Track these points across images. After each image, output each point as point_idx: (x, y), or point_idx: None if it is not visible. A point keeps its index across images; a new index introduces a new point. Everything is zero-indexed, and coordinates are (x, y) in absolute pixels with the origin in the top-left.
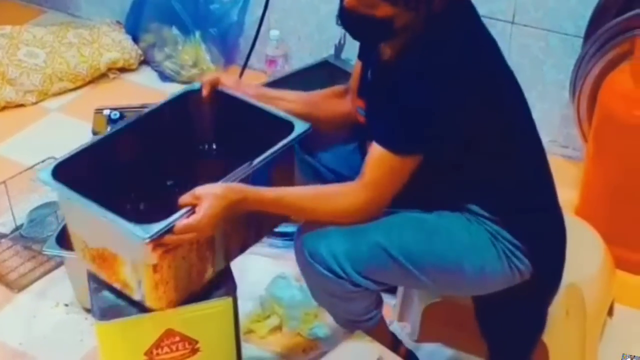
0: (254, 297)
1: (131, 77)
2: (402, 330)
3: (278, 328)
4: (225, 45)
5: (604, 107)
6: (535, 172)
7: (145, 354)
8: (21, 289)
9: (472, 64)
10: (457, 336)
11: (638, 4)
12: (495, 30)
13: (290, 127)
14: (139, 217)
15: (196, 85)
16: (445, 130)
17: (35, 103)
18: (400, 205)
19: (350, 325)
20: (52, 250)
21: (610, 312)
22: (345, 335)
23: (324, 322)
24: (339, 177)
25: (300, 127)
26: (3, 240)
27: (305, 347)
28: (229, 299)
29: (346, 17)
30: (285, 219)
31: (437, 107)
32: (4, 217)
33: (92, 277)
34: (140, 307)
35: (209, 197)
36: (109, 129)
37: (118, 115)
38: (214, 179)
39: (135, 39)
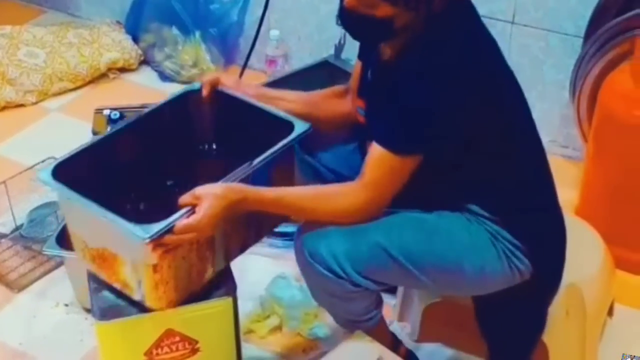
0: (254, 297)
1: (131, 77)
2: (402, 330)
3: (278, 328)
4: (225, 45)
5: (604, 107)
6: (536, 172)
7: (145, 354)
8: (21, 289)
9: (472, 63)
10: (457, 336)
11: (638, 4)
12: (495, 30)
13: (290, 127)
14: (139, 217)
15: (196, 85)
16: (446, 130)
17: (35, 103)
18: (400, 205)
19: (350, 325)
20: (52, 250)
21: (610, 312)
22: (345, 335)
23: (324, 322)
24: (339, 177)
25: (300, 127)
26: (3, 240)
27: (305, 347)
28: (229, 299)
29: (346, 17)
30: (285, 219)
31: (437, 107)
32: (4, 217)
33: (92, 277)
34: (140, 307)
35: (209, 197)
36: (109, 129)
37: (118, 115)
38: (214, 179)
39: (135, 39)
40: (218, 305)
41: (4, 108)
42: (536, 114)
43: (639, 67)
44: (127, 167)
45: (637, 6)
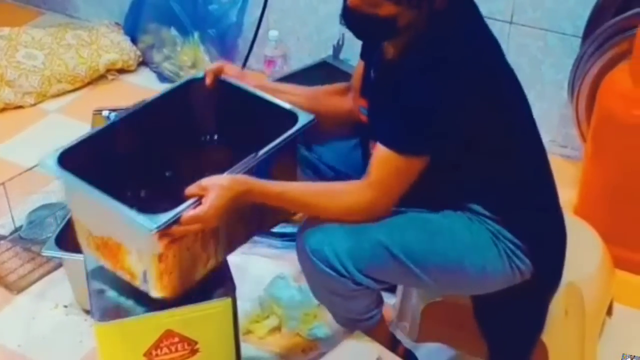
0: (253, 297)
1: (130, 78)
2: (402, 330)
3: (277, 328)
4: (224, 46)
5: (603, 107)
6: (536, 171)
7: (145, 354)
8: (20, 290)
9: (475, 62)
10: (457, 336)
11: (636, 3)
12: (494, 30)
13: (293, 118)
14: (140, 204)
15: (199, 74)
16: (448, 129)
17: (34, 104)
18: (401, 204)
19: (350, 324)
20: (51, 251)
21: (609, 312)
22: (344, 335)
23: (324, 323)
24: (338, 175)
25: (304, 118)
26: (2, 241)
27: (305, 348)
28: (228, 300)
29: (349, 17)
30: (289, 213)
31: (440, 106)
32: (3, 218)
33: (92, 278)
34: (140, 306)
35: (215, 188)
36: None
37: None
38: (216, 169)
39: (134, 40)
40: (217, 306)
41: (2, 110)
42: (535, 114)
43: (638, 66)
44: (129, 156)
45: (635, 5)
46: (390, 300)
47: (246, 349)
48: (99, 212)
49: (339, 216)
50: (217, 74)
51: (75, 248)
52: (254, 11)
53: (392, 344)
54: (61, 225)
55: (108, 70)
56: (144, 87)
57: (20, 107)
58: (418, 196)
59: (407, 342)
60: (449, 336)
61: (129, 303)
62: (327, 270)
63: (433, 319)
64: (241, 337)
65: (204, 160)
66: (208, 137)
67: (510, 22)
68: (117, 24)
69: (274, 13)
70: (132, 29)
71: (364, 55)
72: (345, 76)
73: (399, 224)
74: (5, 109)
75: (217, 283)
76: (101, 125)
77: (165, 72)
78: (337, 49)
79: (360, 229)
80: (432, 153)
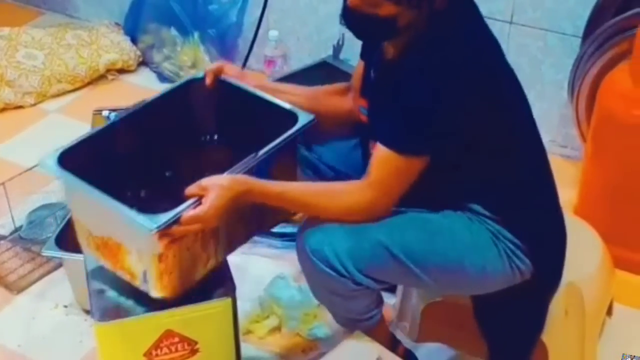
0: (253, 297)
1: (130, 78)
2: (401, 330)
3: (277, 328)
4: (224, 46)
5: (603, 107)
6: (536, 171)
7: (145, 354)
8: (20, 290)
9: (474, 62)
10: (457, 336)
11: (636, 3)
12: (494, 30)
13: (293, 118)
14: (140, 204)
15: (199, 74)
16: (448, 129)
17: (34, 104)
18: (401, 204)
19: (350, 324)
20: (51, 251)
21: (609, 312)
22: (344, 335)
23: (324, 323)
24: (338, 174)
25: (304, 118)
26: (2, 241)
27: (305, 348)
28: (228, 300)
29: (350, 17)
30: (288, 213)
31: (440, 106)
32: (3, 218)
33: (92, 278)
34: (140, 306)
35: (215, 188)
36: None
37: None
38: (215, 169)
39: (134, 40)
40: (217, 306)
41: (2, 110)
42: (535, 114)
43: (638, 66)
44: (129, 156)
45: (635, 5)
46: (390, 300)
47: (246, 349)
48: (99, 212)
49: (339, 216)
50: (217, 74)
51: (75, 248)
52: (254, 11)
53: (392, 344)
54: (61, 226)
55: (108, 70)
56: (144, 87)
57: (20, 107)
58: (418, 196)
59: (407, 342)
60: (449, 336)
61: (129, 303)
62: (327, 270)
63: (433, 319)
64: (241, 337)
65: (203, 160)
66: (208, 137)
67: (510, 22)
68: (117, 24)
69: (274, 13)
70: (132, 29)
71: (364, 55)
72: (345, 76)
73: (399, 224)
74: (5, 109)
75: (217, 283)
76: (101, 125)
77: (165, 72)
78: (337, 49)
79: (360, 229)
80: (432, 153)
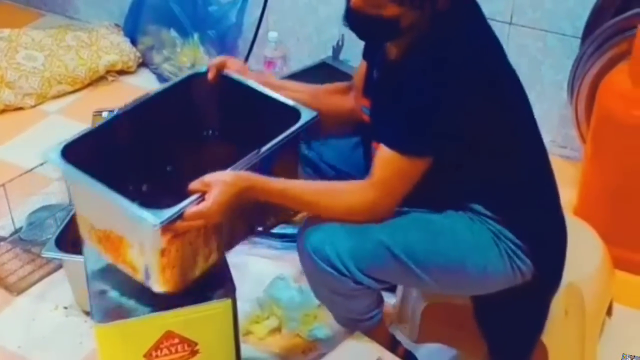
0: (253, 298)
1: (130, 79)
2: (401, 330)
3: (277, 329)
4: (224, 47)
5: (602, 108)
6: (537, 171)
7: (145, 356)
8: (20, 291)
9: (477, 62)
10: (457, 336)
11: (636, 3)
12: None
13: (295, 114)
14: (141, 198)
15: (202, 68)
16: (451, 130)
17: (34, 106)
18: (403, 204)
19: (351, 324)
20: (51, 253)
21: (609, 312)
22: (344, 336)
23: (324, 323)
24: (339, 173)
25: (306, 114)
26: (2, 243)
27: (305, 348)
28: (228, 301)
29: (352, 18)
30: (291, 210)
31: (442, 106)
32: (3, 220)
33: (92, 280)
34: (141, 307)
35: (218, 185)
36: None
37: None
38: (218, 163)
39: (134, 42)
40: (217, 307)
41: (2, 111)
42: (535, 115)
43: (637, 67)
44: (131, 150)
45: (634, 6)
46: (391, 300)
47: (246, 349)
48: (102, 206)
49: (341, 215)
50: (220, 69)
51: (75, 249)
52: (254, 12)
53: (392, 345)
54: (61, 227)
55: (108, 72)
56: (144, 88)
57: (20, 108)
58: (419, 196)
59: (406, 342)
60: (449, 337)
61: (129, 304)
62: (328, 269)
63: (433, 320)
64: (241, 338)
65: (205, 155)
66: (210, 131)
67: (510, 23)
68: (116, 25)
69: (273, 14)
70: (132, 31)
71: (366, 55)
72: (344, 77)
73: (400, 225)
74: (5, 110)
75: (217, 284)
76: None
77: (165, 74)
78: (337, 49)
79: (361, 229)
80: (435, 154)
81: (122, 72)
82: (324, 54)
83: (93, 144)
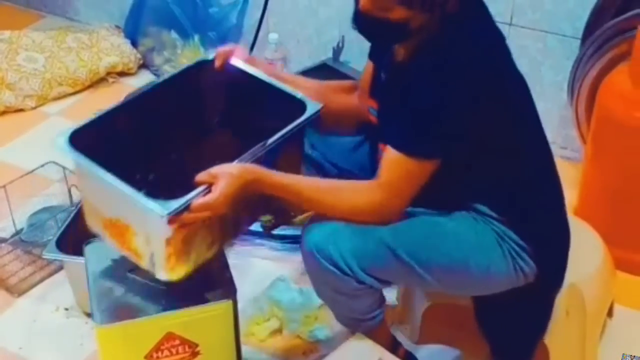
0: (253, 300)
1: (130, 81)
2: (402, 331)
3: (278, 331)
4: None
5: (603, 108)
6: (543, 173)
7: (146, 357)
8: (21, 293)
9: (484, 64)
10: (458, 337)
11: (636, 4)
12: None
13: (300, 106)
14: (148, 187)
15: (209, 56)
16: (458, 132)
17: (35, 108)
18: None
19: (352, 324)
20: (52, 254)
21: (610, 313)
22: (345, 337)
23: (324, 325)
24: (342, 172)
25: (312, 107)
26: (3, 244)
27: (306, 350)
28: (229, 302)
29: (361, 21)
30: (295, 205)
31: (450, 108)
32: (3, 221)
33: (93, 281)
34: (142, 309)
35: (225, 177)
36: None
37: None
38: (222, 154)
39: (134, 43)
40: (218, 309)
41: (3, 113)
42: None
43: (637, 68)
44: (137, 137)
45: (635, 6)
46: (391, 294)
47: (247, 351)
48: (109, 195)
49: (345, 215)
50: (227, 57)
51: (76, 251)
52: (254, 14)
53: (393, 346)
54: (62, 228)
55: (108, 73)
56: None
57: (21, 110)
58: (424, 196)
59: (407, 343)
60: (450, 338)
61: (130, 305)
62: (331, 268)
63: (434, 321)
64: (242, 340)
65: (210, 144)
66: (215, 120)
67: (510, 24)
68: (117, 27)
69: (273, 16)
70: (133, 32)
71: (372, 56)
72: (345, 78)
73: (404, 225)
74: (6, 112)
75: (217, 285)
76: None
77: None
78: (337, 51)
79: (365, 229)
80: (442, 156)
81: (122, 74)
82: (324, 55)
83: (100, 131)
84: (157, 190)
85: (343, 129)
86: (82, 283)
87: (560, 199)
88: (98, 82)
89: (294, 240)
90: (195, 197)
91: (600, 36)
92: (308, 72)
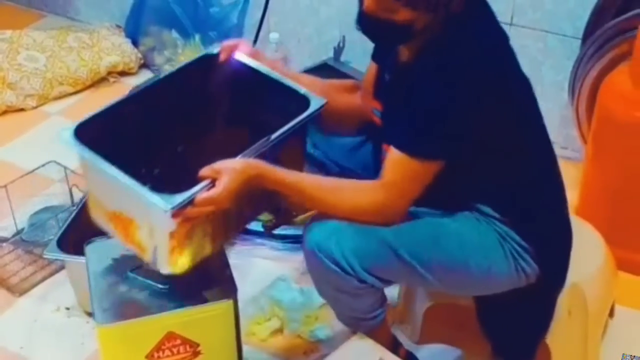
0: (254, 299)
1: (131, 80)
2: (403, 331)
3: (279, 330)
4: None
5: (603, 108)
6: (546, 174)
7: (147, 357)
8: (22, 293)
9: (488, 64)
10: (459, 337)
11: (636, 4)
12: None
13: (303, 102)
14: (153, 181)
15: (214, 49)
16: (462, 133)
17: (36, 107)
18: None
19: (353, 323)
20: (53, 254)
21: (611, 313)
22: (346, 337)
23: (325, 324)
24: (343, 170)
25: (316, 102)
26: (4, 244)
27: (306, 349)
28: (230, 302)
29: (365, 22)
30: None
31: (454, 109)
32: (5, 221)
33: (94, 281)
34: (143, 308)
35: (228, 172)
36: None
37: None
38: (224, 148)
39: (135, 43)
40: (219, 308)
41: (4, 112)
42: None
43: (638, 67)
44: (142, 130)
45: (635, 6)
46: (392, 294)
47: (248, 350)
48: (113, 188)
49: (348, 214)
50: (232, 51)
51: (77, 250)
52: (255, 13)
53: (393, 346)
54: (63, 228)
55: (109, 73)
56: None
57: (21, 109)
58: (427, 196)
59: (407, 343)
60: (451, 338)
61: (131, 305)
62: (333, 267)
63: (435, 321)
64: (243, 339)
65: (214, 138)
66: (219, 114)
67: (511, 24)
68: (118, 26)
69: (274, 15)
70: (133, 32)
71: (375, 56)
72: (346, 78)
73: (406, 225)
74: (7, 111)
75: (218, 285)
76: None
77: None
78: (338, 51)
79: (367, 229)
80: (445, 156)
81: (123, 73)
82: (325, 55)
83: (105, 124)
84: (162, 184)
85: (345, 129)
86: (83, 283)
87: (563, 199)
88: (99, 81)
89: (295, 240)
90: (199, 192)
91: (601, 36)
92: (309, 72)
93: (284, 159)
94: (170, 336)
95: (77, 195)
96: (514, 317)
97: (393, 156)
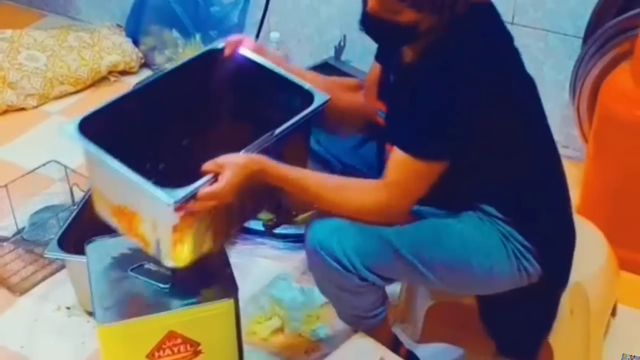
0: (255, 298)
1: (132, 80)
2: (404, 331)
3: (280, 329)
4: None
5: (604, 107)
6: (550, 174)
7: (147, 356)
8: (23, 292)
9: (492, 65)
10: (460, 336)
11: (638, 3)
12: None
13: (307, 97)
14: (158, 176)
15: (219, 44)
16: (466, 133)
17: (36, 106)
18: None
19: (354, 321)
20: (53, 253)
21: (613, 312)
22: (347, 336)
23: (326, 323)
24: (346, 167)
25: (320, 98)
26: (5, 243)
27: (307, 348)
28: (231, 301)
29: (369, 23)
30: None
31: (457, 110)
32: (5, 220)
33: (94, 280)
34: (143, 308)
35: (231, 167)
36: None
37: None
38: (228, 142)
39: (136, 42)
40: (220, 307)
41: (5, 112)
42: None
43: (639, 67)
44: (147, 125)
45: (636, 6)
46: (393, 293)
47: (249, 350)
48: (117, 182)
49: (350, 213)
50: (236, 46)
51: (78, 250)
52: (256, 13)
53: (394, 345)
54: (64, 227)
55: (110, 72)
56: None
57: (22, 109)
58: (431, 196)
59: (408, 343)
60: (452, 337)
61: (131, 304)
62: (334, 265)
63: (437, 320)
64: (244, 338)
65: (218, 133)
66: (223, 109)
67: (512, 23)
68: (118, 25)
69: (275, 15)
70: (134, 31)
71: (379, 57)
72: (346, 77)
73: (409, 224)
74: (8, 110)
75: (219, 284)
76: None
77: None
78: (339, 50)
79: (369, 227)
80: (449, 157)
81: (124, 73)
82: (326, 54)
83: (109, 119)
84: (167, 179)
85: (348, 128)
86: (84, 282)
87: (566, 199)
88: (100, 81)
89: (296, 239)
90: (201, 186)
91: (602, 35)
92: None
93: (288, 155)
94: (170, 335)
95: (78, 195)
96: (517, 316)
97: (397, 156)
